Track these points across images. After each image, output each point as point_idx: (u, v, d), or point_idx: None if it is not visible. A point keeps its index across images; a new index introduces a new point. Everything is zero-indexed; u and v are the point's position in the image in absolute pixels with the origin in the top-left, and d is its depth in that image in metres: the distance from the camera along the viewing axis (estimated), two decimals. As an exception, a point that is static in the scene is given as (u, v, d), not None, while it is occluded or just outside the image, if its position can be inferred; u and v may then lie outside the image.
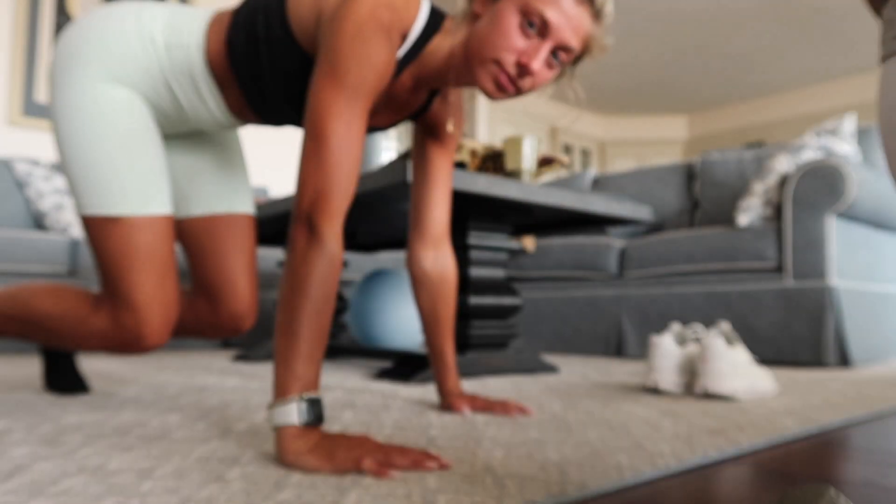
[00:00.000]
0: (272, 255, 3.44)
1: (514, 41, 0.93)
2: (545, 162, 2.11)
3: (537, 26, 0.93)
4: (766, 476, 0.78)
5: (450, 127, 1.13)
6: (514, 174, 1.92)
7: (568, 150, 8.71)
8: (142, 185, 1.02)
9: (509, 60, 0.94)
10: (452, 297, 1.24)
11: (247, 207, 1.22)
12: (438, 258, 1.22)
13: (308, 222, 0.84)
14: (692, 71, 7.73)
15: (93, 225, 1.02)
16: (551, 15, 0.93)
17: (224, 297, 1.19)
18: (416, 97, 1.11)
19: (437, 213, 1.21)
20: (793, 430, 1.03)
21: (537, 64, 0.94)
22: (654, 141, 9.28)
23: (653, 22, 6.52)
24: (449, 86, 1.04)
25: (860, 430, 1.10)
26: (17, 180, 3.20)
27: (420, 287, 1.22)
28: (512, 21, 0.93)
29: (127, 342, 1.03)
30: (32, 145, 3.73)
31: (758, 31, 6.69)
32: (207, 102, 1.08)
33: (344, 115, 0.87)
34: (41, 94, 3.77)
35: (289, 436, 0.78)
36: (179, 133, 1.18)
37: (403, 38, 0.98)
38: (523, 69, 0.94)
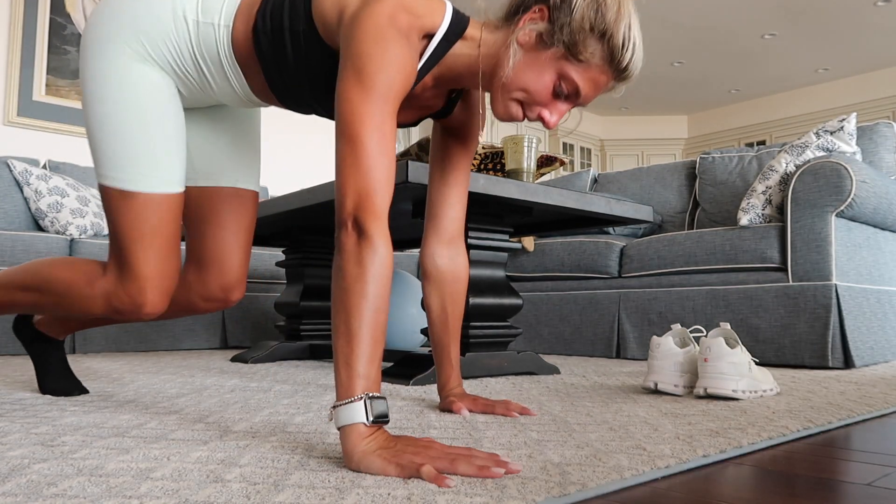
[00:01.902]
0: (272, 256, 3.43)
1: (544, 97, 0.99)
2: (545, 161, 2.10)
3: (568, 93, 0.99)
4: (767, 477, 0.78)
5: (481, 137, 1.14)
6: (514, 174, 1.92)
7: (568, 149, 8.71)
8: (158, 164, 1.06)
9: (532, 112, 1.01)
10: (462, 297, 1.25)
11: (252, 185, 1.25)
12: (453, 256, 1.23)
13: (356, 224, 0.84)
14: (692, 71, 7.73)
15: (108, 195, 1.06)
16: (584, 86, 0.99)
17: (217, 267, 1.21)
18: (438, 98, 1.13)
19: (454, 212, 1.23)
20: (794, 431, 1.03)
21: (554, 121, 1.01)
22: (655, 140, 9.28)
23: (653, 22, 6.52)
24: (473, 89, 1.07)
25: (861, 431, 1.09)
26: (15, 180, 3.19)
27: (432, 284, 1.23)
28: (548, 79, 0.98)
29: (128, 309, 1.08)
30: (31, 145, 3.73)
31: (758, 32, 6.69)
32: (232, 81, 1.09)
33: (375, 117, 0.88)
34: (38, 94, 3.76)
35: (356, 435, 0.77)
36: (202, 105, 1.20)
37: (426, 40, 0.99)
38: (540, 121, 1.01)
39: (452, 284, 1.23)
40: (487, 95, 1.07)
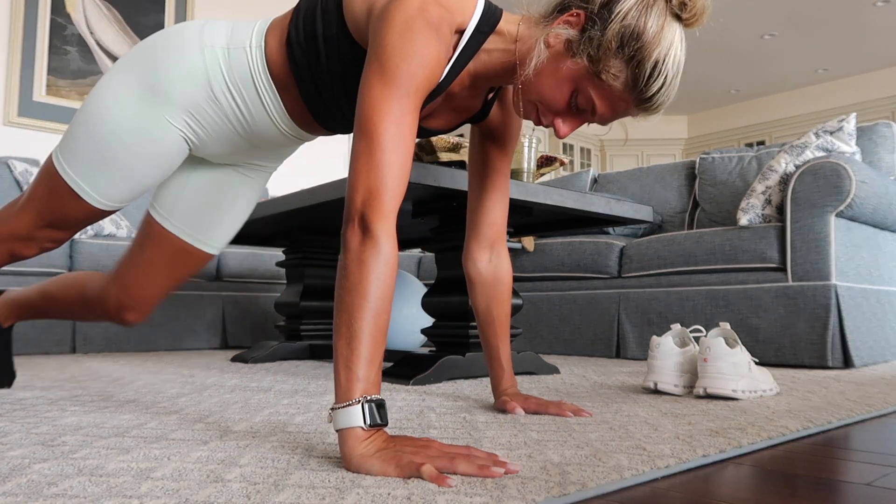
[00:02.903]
0: (272, 256, 3.43)
1: (559, 106, 0.95)
2: (545, 162, 2.10)
3: (584, 109, 0.95)
4: (767, 476, 0.78)
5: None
6: (514, 174, 1.92)
7: (568, 149, 8.70)
8: (119, 197, 1.10)
9: (546, 118, 0.98)
10: (508, 298, 1.25)
11: (212, 250, 1.25)
12: (493, 259, 1.24)
13: (361, 222, 0.83)
14: (692, 71, 7.73)
15: (55, 176, 1.08)
16: (601, 106, 0.94)
17: (126, 291, 1.23)
18: (476, 99, 1.11)
19: (493, 217, 1.23)
20: (793, 431, 1.03)
21: (566, 132, 0.98)
22: (655, 140, 9.27)
23: (653, 22, 6.50)
24: (515, 83, 1.02)
25: (861, 431, 1.10)
26: (15, 180, 3.19)
27: (475, 287, 1.24)
28: (566, 90, 0.94)
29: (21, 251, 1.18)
30: (30, 145, 3.73)
31: (758, 32, 6.69)
32: (267, 106, 1.08)
33: (394, 112, 0.85)
34: (39, 95, 3.76)
35: (354, 439, 0.76)
36: (226, 158, 1.19)
37: (458, 35, 0.97)
38: (553, 128, 0.98)
39: (496, 287, 1.24)
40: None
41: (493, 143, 1.21)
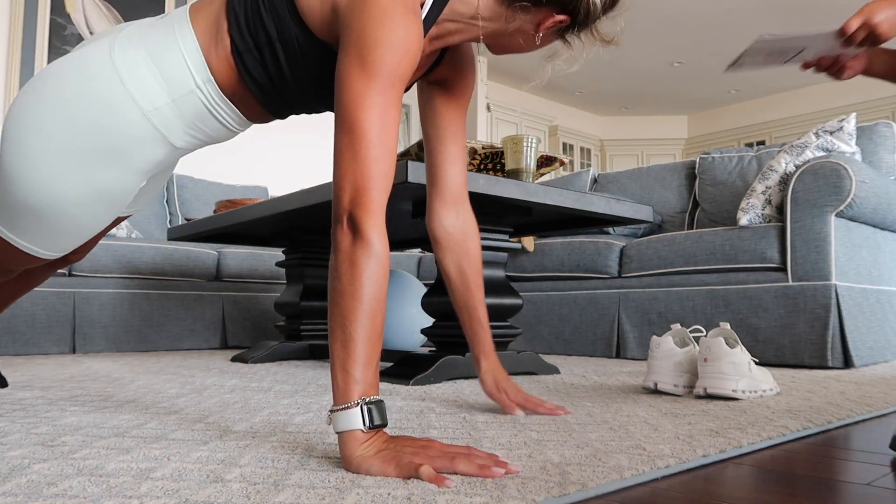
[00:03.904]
0: (272, 256, 3.43)
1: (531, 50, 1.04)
2: (545, 161, 2.10)
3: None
4: (767, 476, 0.78)
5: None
6: (514, 174, 1.92)
7: (568, 149, 8.70)
8: (64, 244, 1.05)
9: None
10: (478, 253, 1.22)
11: (131, 212, 1.21)
12: (459, 214, 1.20)
13: (350, 221, 0.80)
14: (692, 71, 7.73)
15: None
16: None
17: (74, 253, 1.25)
18: (431, 57, 1.09)
19: (455, 170, 1.19)
20: (793, 431, 1.03)
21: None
22: (654, 140, 9.28)
23: (654, 21, 6.52)
24: (477, 42, 1.06)
25: (861, 431, 1.09)
26: (16, 180, 3.19)
27: (443, 248, 1.20)
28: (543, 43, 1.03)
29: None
30: (32, 145, 3.72)
31: (759, 31, 6.69)
32: (226, 123, 1.02)
33: (378, 105, 0.82)
34: (40, 94, 3.76)
35: (353, 441, 0.76)
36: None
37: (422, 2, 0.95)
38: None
39: (464, 243, 1.20)
40: (481, 45, 1.08)
41: (443, 92, 1.17)
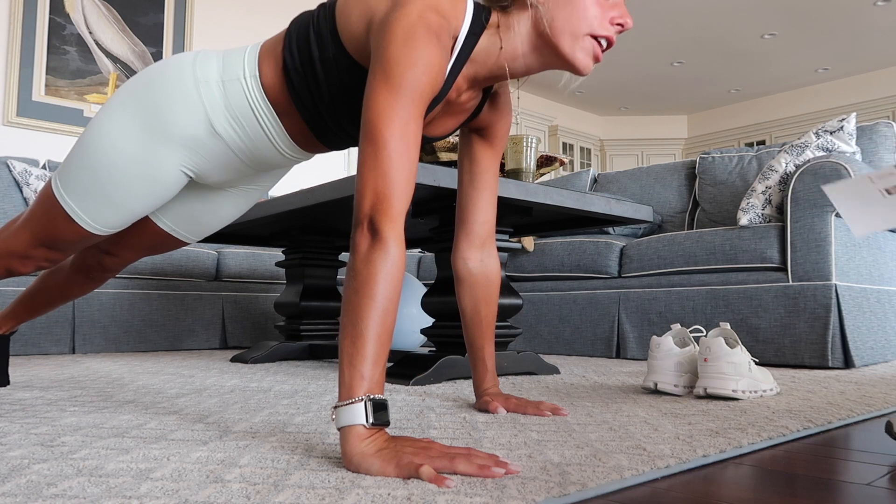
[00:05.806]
0: (272, 256, 3.43)
1: (602, 8, 1.01)
2: (545, 161, 2.10)
3: None
4: (767, 477, 0.78)
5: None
6: (514, 174, 1.92)
7: (568, 149, 8.70)
8: (114, 222, 1.12)
9: (608, 28, 1.02)
10: (495, 298, 1.26)
11: (189, 240, 1.32)
12: (484, 259, 1.24)
13: (370, 225, 0.84)
14: (692, 71, 7.73)
15: (53, 201, 1.11)
16: None
17: (118, 253, 1.33)
18: (473, 101, 1.13)
19: (484, 216, 1.24)
20: (793, 431, 1.03)
21: (630, 19, 1.03)
22: (654, 140, 9.27)
23: (654, 21, 6.52)
24: (514, 77, 1.07)
25: (861, 431, 1.09)
26: (14, 180, 3.19)
27: (464, 286, 1.24)
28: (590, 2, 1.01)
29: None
30: (29, 145, 3.73)
31: (758, 32, 6.69)
32: (269, 133, 1.09)
33: (400, 118, 0.87)
34: (38, 94, 3.76)
35: (355, 437, 0.77)
36: (228, 183, 1.22)
37: (454, 39, 0.99)
38: (622, 28, 1.03)
39: (485, 287, 1.24)
40: (514, 95, 1.08)
41: (482, 140, 1.22)
